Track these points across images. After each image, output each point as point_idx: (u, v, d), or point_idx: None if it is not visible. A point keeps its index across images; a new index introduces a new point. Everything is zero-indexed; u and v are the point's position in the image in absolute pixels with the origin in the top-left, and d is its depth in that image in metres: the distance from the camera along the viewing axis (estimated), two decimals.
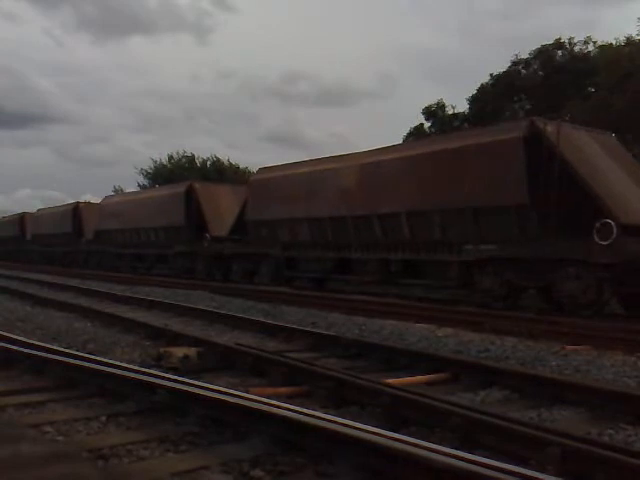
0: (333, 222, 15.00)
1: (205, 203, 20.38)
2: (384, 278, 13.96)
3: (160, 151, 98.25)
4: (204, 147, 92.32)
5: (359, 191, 14.26)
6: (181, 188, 21.48)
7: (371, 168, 14.15)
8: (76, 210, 29.48)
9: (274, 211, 16.70)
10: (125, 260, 24.77)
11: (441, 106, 28.45)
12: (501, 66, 27.02)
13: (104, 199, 29.17)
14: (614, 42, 23.13)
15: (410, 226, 13.03)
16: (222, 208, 20.29)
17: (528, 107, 25.44)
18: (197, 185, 21.25)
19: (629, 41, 22.07)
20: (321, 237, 15.41)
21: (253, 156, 79.79)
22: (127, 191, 38.43)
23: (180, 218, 20.78)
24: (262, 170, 18.42)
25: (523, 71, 25.47)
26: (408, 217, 13.03)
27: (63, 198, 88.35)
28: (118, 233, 25.22)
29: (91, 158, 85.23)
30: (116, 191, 42.92)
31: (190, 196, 20.65)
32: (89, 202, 30.79)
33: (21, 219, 36.44)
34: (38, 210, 35.59)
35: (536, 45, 25.50)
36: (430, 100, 29.67)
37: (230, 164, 42.16)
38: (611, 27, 49.30)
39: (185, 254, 20.49)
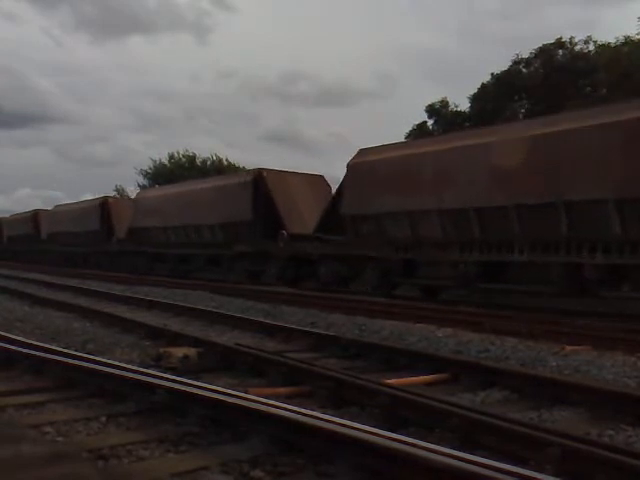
0: (482, 214, 11.55)
1: (278, 195, 17.22)
2: (575, 288, 10.58)
3: (160, 151, 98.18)
4: (204, 147, 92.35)
5: (530, 172, 10.70)
6: (247, 177, 18.19)
7: (552, 141, 10.58)
8: (104, 205, 26.01)
9: (384, 202, 13.24)
10: (167, 262, 21.32)
11: (444, 104, 28.44)
12: (502, 65, 27.03)
13: (140, 192, 25.87)
14: (615, 41, 23.16)
15: (622, 217, 9.60)
16: (298, 200, 17.35)
17: (528, 106, 25.43)
18: (266, 173, 17.71)
19: (627, 40, 22.08)
20: (460, 234, 12.01)
21: (253, 156, 79.77)
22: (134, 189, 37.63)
23: (246, 212, 17.39)
24: (364, 151, 14.71)
25: (524, 70, 25.46)
26: (620, 205, 9.63)
27: (63, 198, 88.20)
28: (159, 231, 21.76)
29: (91, 158, 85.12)
30: (117, 191, 42.88)
31: (258, 186, 17.51)
32: (119, 196, 27.72)
33: (34, 216, 33.18)
34: (56, 206, 32.65)
35: (536, 45, 25.54)
36: (430, 100, 29.71)
37: (229, 163, 42.13)
38: (611, 27, 49.27)
39: (249, 255, 17.28)
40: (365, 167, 14.14)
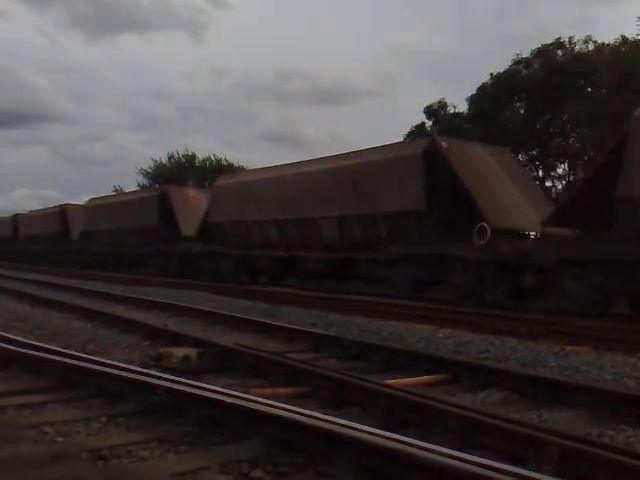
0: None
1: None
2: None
3: (157, 150, 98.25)
4: (202, 146, 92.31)
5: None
6: None
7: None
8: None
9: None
10: None
11: (443, 105, 28.46)
12: (500, 64, 27.09)
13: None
14: (614, 41, 23.14)
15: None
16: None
17: (527, 107, 25.43)
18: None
19: (624, 40, 22.07)
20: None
21: (252, 155, 79.77)
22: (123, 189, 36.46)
23: None
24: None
25: (524, 70, 25.46)
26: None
27: (61, 198, 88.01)
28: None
29: (88, 157, 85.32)
30: (116, 190, 42.73)
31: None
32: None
33: (162, 196, 21.78)
34: (225, 176, 21.89)
35: (533, 44, 25.57)
36: (429, 99, 29.73)
37: (228, 163, 42.03)
38: (608, 25, 49.31)
39: None
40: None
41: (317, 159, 16.12)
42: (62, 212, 28.81)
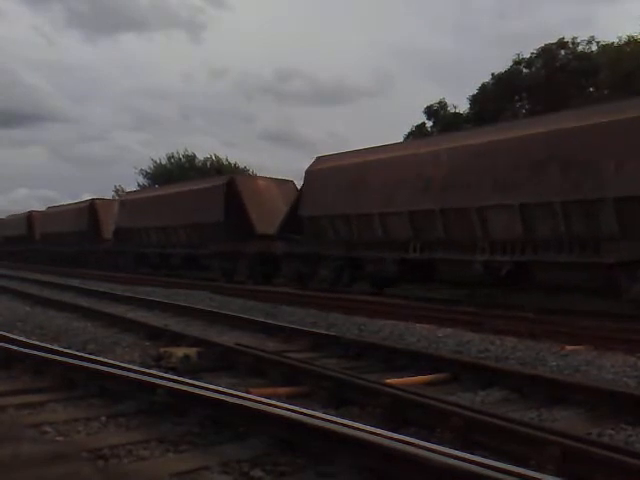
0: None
1: None
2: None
3: (157, 150, 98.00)
4: (201, 146, 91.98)
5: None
6: None
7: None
8: None
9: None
10: None
11: (443, 105, 28.45)
12: (499, 64, 27.09)
13: None
14: (617, 41, 23.13)
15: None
16: None
17: (528, 107, 25.41)
18: None
19: (630, 40, 22.06)
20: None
21: (251, 155, 79.59)
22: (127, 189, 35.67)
23: None
24: None
25: (525, 70, 25.44)
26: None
27: (61, 198, 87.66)
28: None
29: (87, 157, 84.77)
30: (117, 191, 42.66)
31: None
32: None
33: (228, 188, 18.62)
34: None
35: (533, 44, 25.56)
36: (429, 99, 29.72)
37: (229, 163, 41.97)
38: (608, 25, 49.19)
39: None
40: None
41: (479, 129, 12.43)
42: (91, 208, 25.87)
